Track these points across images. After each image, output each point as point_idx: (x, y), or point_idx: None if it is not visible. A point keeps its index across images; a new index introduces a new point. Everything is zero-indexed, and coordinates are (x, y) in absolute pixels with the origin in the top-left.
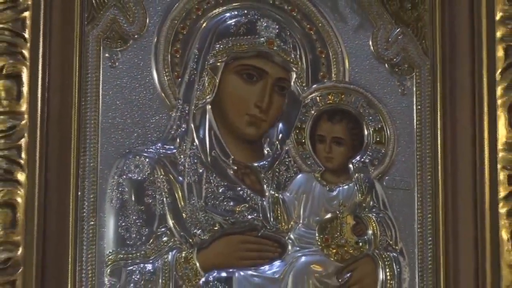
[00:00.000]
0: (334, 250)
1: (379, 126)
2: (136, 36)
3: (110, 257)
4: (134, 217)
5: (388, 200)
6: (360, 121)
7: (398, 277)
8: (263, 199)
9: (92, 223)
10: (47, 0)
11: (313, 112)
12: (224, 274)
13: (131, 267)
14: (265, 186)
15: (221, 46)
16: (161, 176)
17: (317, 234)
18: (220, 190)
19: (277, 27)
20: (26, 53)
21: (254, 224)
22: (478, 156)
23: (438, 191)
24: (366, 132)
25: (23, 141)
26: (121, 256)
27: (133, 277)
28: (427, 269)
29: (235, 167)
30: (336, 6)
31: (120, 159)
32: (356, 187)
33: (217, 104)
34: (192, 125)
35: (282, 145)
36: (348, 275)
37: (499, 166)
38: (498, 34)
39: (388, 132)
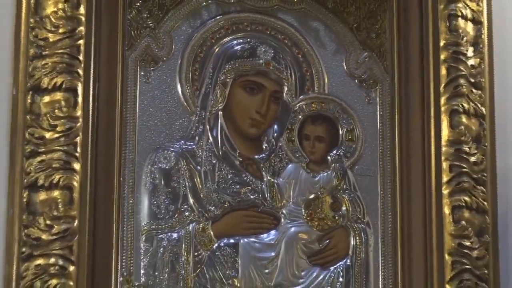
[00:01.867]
0: (316, 222)
1: (351, 127)
2: (164, 58)
3: (144, 227)
4: (163, 197)
5: (358, 184)
6: (336, 124)
7: (365, 243)
8: (262, 183)
9: (131, 201)
10: (97, 32)
11: (300, 116)
12: (232, 241)
13: (161, 235)
14: (263, 173)
15: (230, 66)
16: (184, 166)
17: (303, 210)
18: (229, 176)
19: (272, 51)
20: (80, 71)
21: (255, 202)
22: (426, 150)
23: (396, 177)
24: (340, 132)
25: (78, 139)
26: (153, 227)
27: (162, 243)
28: (388, 236)
29: (241, 159)
30: (318, 35)
31: (152, 152)
32: (333, 174)
33: (226, 111)
34: (208, 127)
35: (276, 142)
36: (327, 241)
37: (442, 158)
38: (442, 56)
39: (358, 132)
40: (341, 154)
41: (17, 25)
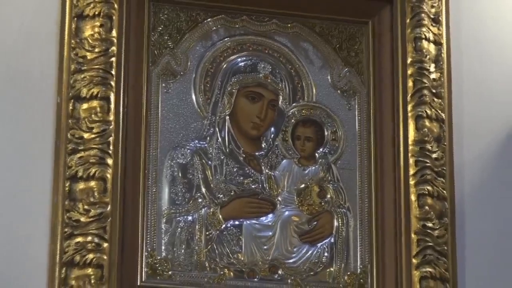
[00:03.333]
0: (306, 208)
1: (334, 129)
2: (181, 73)
3: (165, 211)
4: (180, 187)
5: (340, 176)
6: (323, 126)
7: (346, 224)
8: (262, 175)
9: (154, 190)
10: (126, 51)
11: (293, 120)
12: (237, 222)
13: (178, 218)
14: (263, 167)
15: (235, 79)
16: (197, 161)
17: (295, 197)
18: (235, 170)
19: (270, 67)
20: (113, 83)
21: (256, 191)
22: (396, 148)
23: (371, 171)
24: (326, 133)
25: (111, 139)
26: (172, 211)
27: (180, 224)
28: (364, 219)
29: (244, 155)
30: (307, 54)
31: (171, 150)
32: (320, 168)
33: (232, 115)
34: (217, 129)
35: (273, 141)
36: (315, 223)
37: (409, 154)
38: (409, 71)
39: (340, 133)
40: (327, 151)
41: (61, 46)
